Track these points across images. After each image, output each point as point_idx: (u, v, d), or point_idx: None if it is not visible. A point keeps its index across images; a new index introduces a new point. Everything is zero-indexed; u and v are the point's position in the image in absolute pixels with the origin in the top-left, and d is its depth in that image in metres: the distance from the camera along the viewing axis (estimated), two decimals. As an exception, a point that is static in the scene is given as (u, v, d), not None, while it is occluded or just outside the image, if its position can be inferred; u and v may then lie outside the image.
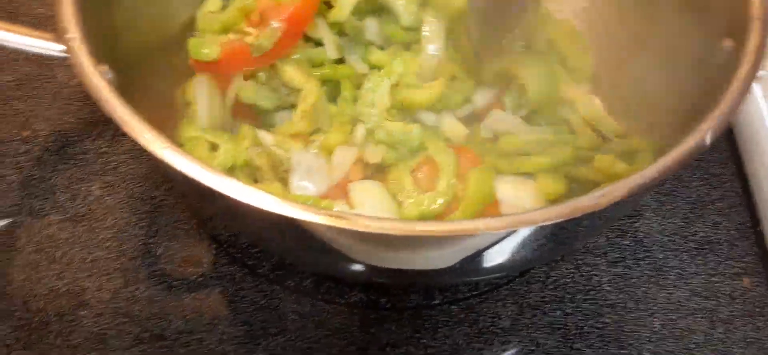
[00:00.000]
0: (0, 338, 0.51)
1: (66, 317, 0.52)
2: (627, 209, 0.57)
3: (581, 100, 0.56)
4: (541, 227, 0.37)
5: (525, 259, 0.47)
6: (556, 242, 0.47)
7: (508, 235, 0.37)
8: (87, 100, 0.64)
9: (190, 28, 0.58)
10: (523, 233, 0.38)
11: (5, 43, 0.46)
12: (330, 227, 0.34)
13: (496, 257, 0.42)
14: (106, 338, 0.52)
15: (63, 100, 0.63)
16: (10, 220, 0.57)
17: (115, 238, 0.56)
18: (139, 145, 0.40)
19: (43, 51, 0.46)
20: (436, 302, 0.55)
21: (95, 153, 0.61)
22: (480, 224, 0.34)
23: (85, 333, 0.52)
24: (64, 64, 0.63)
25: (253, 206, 0.35)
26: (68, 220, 0.57)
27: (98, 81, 0.40)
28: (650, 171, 0.38)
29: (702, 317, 0.55)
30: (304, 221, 0.35)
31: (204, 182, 0.36)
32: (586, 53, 0.59)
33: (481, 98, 0.58)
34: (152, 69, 0.52)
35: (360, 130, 0.54)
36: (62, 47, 0.43)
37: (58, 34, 0.44)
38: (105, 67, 0.42)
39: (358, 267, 0.45)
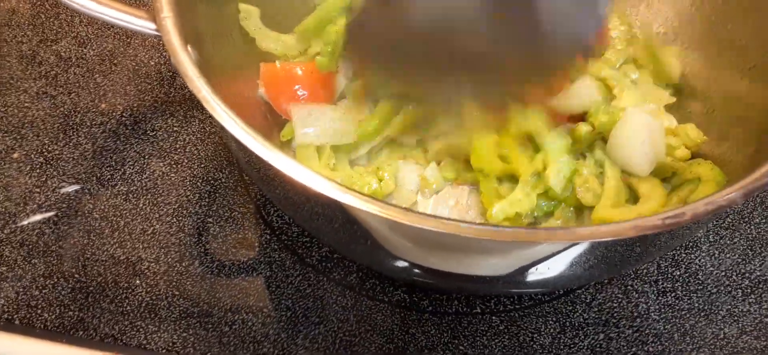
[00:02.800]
0: (57, 298, 0.49)
1: (121, 285, 0.50)
2: (685, 237, 0.51)
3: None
4: (598, 244, 0.32)
5: (575, 276, 0.42)
6: (609, 262, 0.41)
7: (568, 247, 0.32)
8: (163, 80, 0.61)
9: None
10: (581, 248, 0.33)
11: (103, 16, 0.44)
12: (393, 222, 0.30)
13: (549, 269, 0.37)
14: (156, 308, 0.49)
15: (141, 78, 0.61)
16: (80, 186, 0.54)
17: (176, 214, 0.53)
18: (213, 123, 0.37)
19: (136, 28, 0.44)
20: (477, 310, 0.50)
21: (166, 131, 0.58)
22: (542, 233, 0.29)
23: (138, 301, 0.49)
24: (146, 44, 0.63)
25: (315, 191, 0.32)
26: (133, 192, 0.54)
27: (185, 59, 0.40)
28: (719, 196, 0.32)
29: (750, 358, 0.48)
30: (363, 212, 0.31)
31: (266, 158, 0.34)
32: (673, 58, 0.54)
33: None
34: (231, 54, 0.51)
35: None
36: (154, 26, 0.42)
37: (151, 14, 0.43)
38: (191, 48, 0.41)
39: (411, 268, 0.41)
